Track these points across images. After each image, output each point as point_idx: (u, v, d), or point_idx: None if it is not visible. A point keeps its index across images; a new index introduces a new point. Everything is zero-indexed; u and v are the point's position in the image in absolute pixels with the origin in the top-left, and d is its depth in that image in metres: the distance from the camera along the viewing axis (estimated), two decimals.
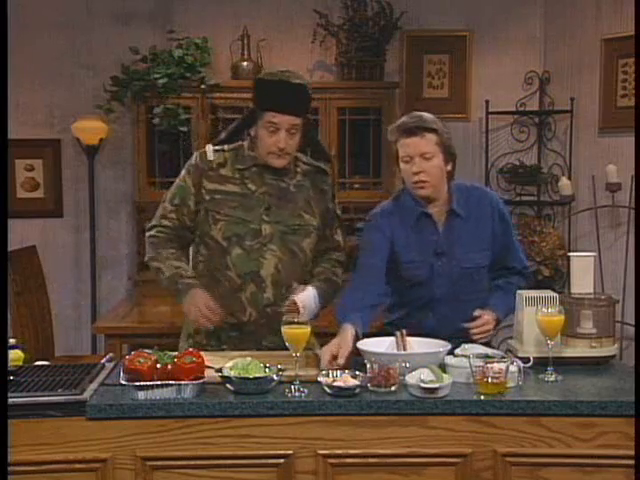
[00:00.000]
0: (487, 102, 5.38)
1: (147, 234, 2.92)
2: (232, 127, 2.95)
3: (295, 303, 2.73)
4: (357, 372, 2.38)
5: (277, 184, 2.85)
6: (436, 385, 2.29)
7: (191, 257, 2.96)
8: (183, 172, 2.92)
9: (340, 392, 2.31)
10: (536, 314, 2.50)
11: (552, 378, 2.46)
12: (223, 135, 2.96)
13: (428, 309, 2.87)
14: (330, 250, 2.98)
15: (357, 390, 2.32)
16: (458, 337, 2.67)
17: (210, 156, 2.87)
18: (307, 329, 2.37)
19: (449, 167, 2.82)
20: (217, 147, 2.90)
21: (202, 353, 2.41)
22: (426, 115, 2.81)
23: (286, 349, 2.43)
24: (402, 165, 2.81)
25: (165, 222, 2.89)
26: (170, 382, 2.29)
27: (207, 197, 2.84)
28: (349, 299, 2.78)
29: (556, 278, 5.13)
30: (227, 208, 2.82)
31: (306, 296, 2.77)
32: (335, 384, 2.32)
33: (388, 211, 2.91)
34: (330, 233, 2.97)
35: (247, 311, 2.83)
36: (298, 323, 2.37)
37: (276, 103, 2.74)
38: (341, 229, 3.01)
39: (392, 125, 2.86)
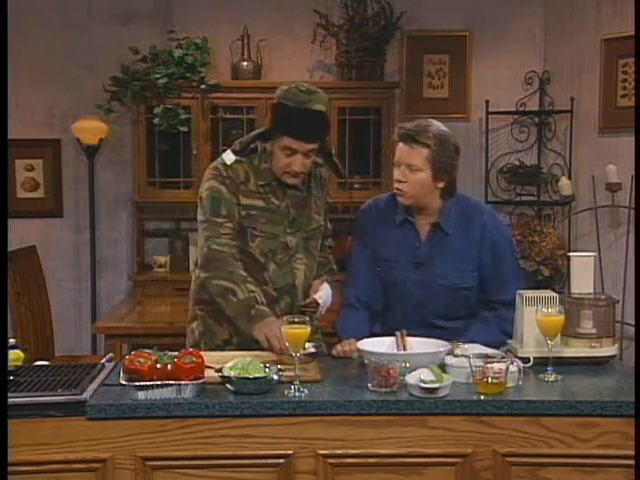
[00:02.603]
0: (487, 102, 5.38)
1: (212, 246, 2.73)
2: (247, 139, 2.84)
3: (316, 301, 2.76)
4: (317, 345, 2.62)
5: (295, 194, 2.85)
6: (436, 385, 2.29)
7: None
8: (214, 183, 2.78)
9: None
10: (536, 314, 2.50)
11: (552, 378, 2.46)
12: (237, 145, 2.83)
13: (407, 321, 2.78)
14: (325, 238, 3.01)
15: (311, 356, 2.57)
16: None
17: (229, 161, 2.79)
18: (307, 329, 2.37)
19: (441, 184, 2.78)
20: (234, 158, 2.81)
21: (202, 353, 2.41)
22: (431, 127, 2.75)
23: None
24: (393, 167, 2.83)
25: (224, 231, 2.74)
26: (170, 382, 2.29)
27: (243, 213, 2.79)
28: (347, 322, 2.90)
29: (556, 278, 5.13)
30: (260, 224, 2.80)
31: (324, 293, 2.81)
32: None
33: (376, 208, 2.95)
34: (325, 222, 2.99)
35: None
36: (298, 323, 2.38)
37: (295, 130, 2.69)
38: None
39: (397, 125, 2.86)
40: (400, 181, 2.77)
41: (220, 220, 2.75)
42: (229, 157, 2.81)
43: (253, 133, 2.88)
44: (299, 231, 2.85)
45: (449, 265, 2.82)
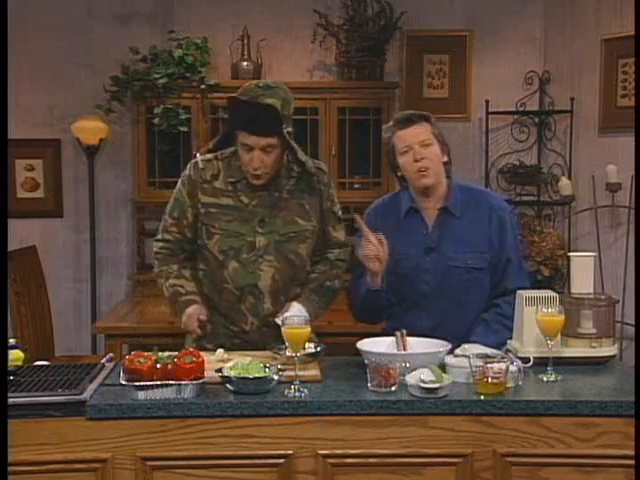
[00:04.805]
0: (487, 102, 5.38)
1: (154, 248, 2.95)
2: (217, 139, 2.93)
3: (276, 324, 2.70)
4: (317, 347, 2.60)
5: (269, 194, 2.83)
6: (436, 385, 2.29)
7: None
8: (179, 184, 2.91)
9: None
10: (536, 314, 2.50)
11: (552, 378, 2.46)
12: (210, 144, 2.94)
13: (420, 309, 2.85)
14: (328, 248, 2.95)
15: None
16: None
17: (201, 165, 2.85)
18: (307, 329, 2.37)
19: (445, 158, 2.87)
20: (208, 156, 2.87)
21: (202, 353, 2.41)
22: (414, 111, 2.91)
23: None
24: (401, 159, 2.84)
25: (167, 236, 2.91)
26: (170, 382, 2.29)
27: (202, 210, 2.83)
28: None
29: (556, 278, 5.13)
30: (222, 222, 2.81)
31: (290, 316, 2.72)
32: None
33: (378, 208, 2.99)
34: (327, 230, 2.93)
35: (249, 320, 2.84)
36: (298, 323, 2.37)
37: (246, 124, 2.71)
38: (341, 227, 2.96)
39: (386, 124, 2.92)
40: (421, 159, 2.80)
41: (170, 220, 2.90)
42: (200, 156, 2.91)
43: (222, 131, 2.96)
44: (272, 232, 2.82)
45: (459, 248, 2.84)
